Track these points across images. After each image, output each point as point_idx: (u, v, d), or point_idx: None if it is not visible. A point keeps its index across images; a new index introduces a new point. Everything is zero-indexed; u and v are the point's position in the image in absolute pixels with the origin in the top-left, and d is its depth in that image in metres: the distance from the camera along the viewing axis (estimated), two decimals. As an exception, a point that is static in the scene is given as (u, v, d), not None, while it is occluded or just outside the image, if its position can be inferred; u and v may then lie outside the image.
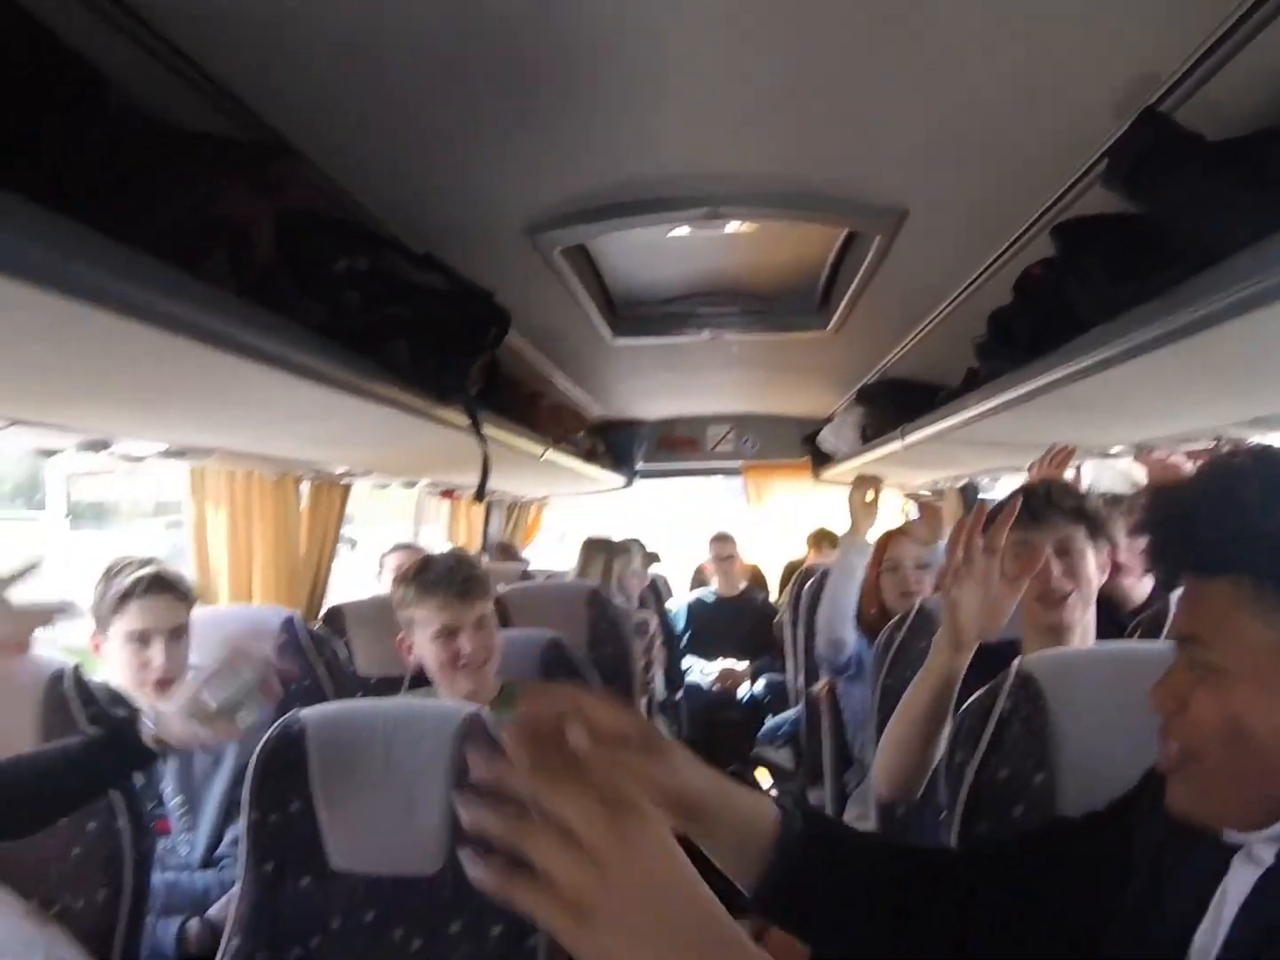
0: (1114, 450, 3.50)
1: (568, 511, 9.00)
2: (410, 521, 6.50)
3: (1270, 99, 1.59)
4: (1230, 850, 1.19)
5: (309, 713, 2.29)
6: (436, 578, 2.70)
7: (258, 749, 2.25)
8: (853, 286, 3.04)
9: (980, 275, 2.78)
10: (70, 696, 2.33)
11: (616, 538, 5.62)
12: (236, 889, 2.35)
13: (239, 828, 2.41)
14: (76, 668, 2.40)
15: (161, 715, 2.03)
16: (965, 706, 2.07)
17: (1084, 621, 2.39)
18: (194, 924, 2.62)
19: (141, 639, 2.75)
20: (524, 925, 2.10)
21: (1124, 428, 3.06)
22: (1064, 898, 1.38)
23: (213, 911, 2.66)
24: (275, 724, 2.27)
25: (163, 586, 2.80)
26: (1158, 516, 1.20)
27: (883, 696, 2.92)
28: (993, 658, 2.14)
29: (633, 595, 5.50)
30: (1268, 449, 1.17)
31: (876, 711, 2.92)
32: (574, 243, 2.62)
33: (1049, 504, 2.38)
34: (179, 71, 1.55)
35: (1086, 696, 1.95)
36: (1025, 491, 2.43)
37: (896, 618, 3.12)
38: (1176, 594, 2.03)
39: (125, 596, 2.75)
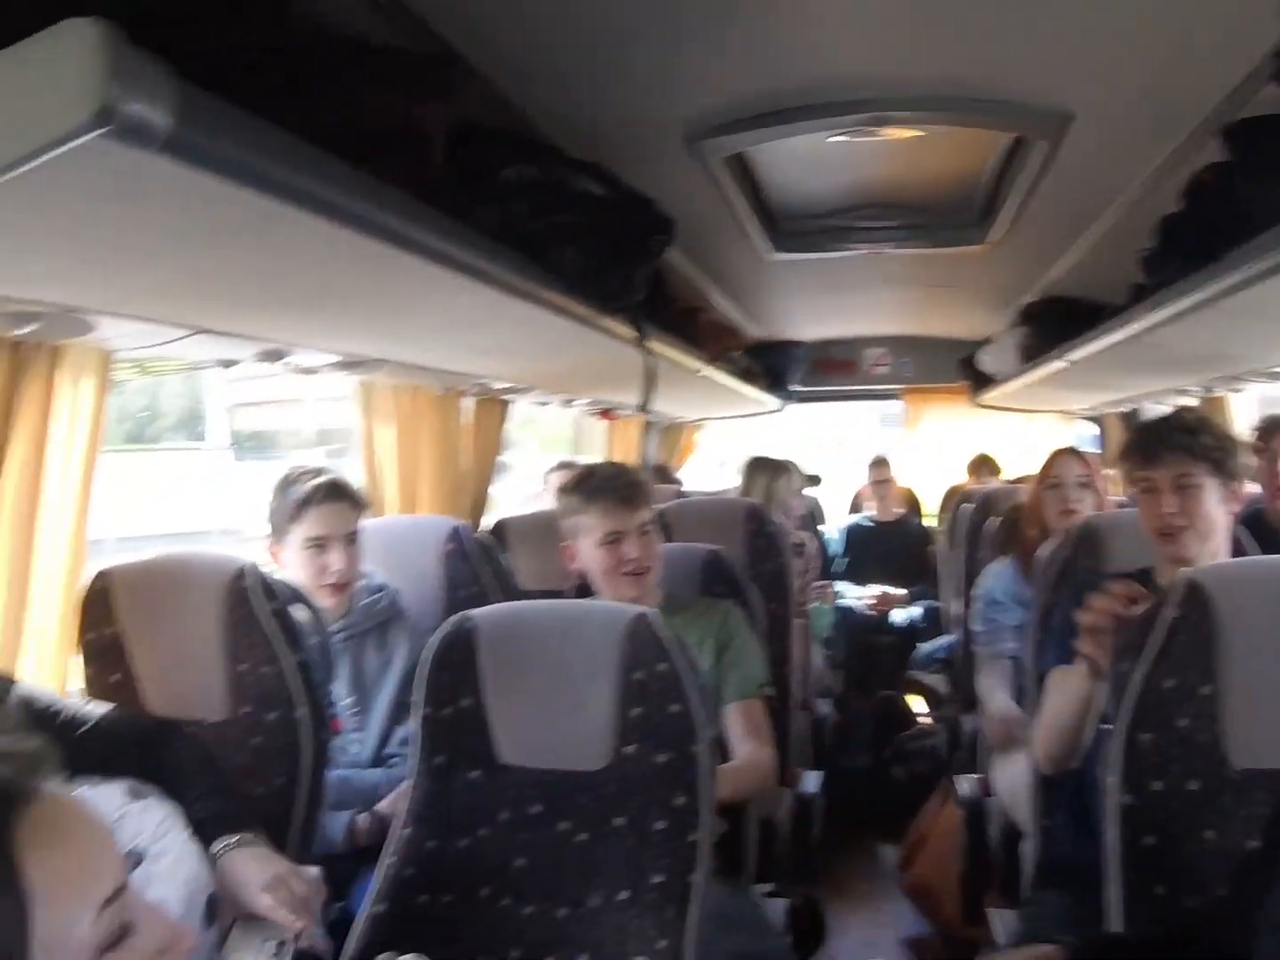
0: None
1: (721, 436, 9.01)
2: (558, 452, 6.60)
3: None
4: None
5: (480, 612, 2.37)
6: (601, 484, 2.79)
7: (431, 645, 2.34)
8: (1015, 197, 2.99)
9: (1148, 181, 2.72)
10: (253, 590, 2.45)
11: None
12: (405, 784, 2.46)
13: (408, 728, 2.52)
14: (256, 565, 2.52)
15: None
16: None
17: (1204, 553, 2.44)
18: (364, 817, 2.77)
19: (319, 544, 2.91)
20: (686, 821, 2.16)
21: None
22: None
23: (381, 806, 2.79)
24: (447, 622, 2.36)
25: (339, 494, 2.94)
26: None
27: (1043, 614, 2.90)
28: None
29: (792, 515, 5.50)
30: None
31: (1038, 628, 2.91)
32: (733, 150, 2.62)
33: (1164, 442, 2.43)
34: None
35: (1255, 608, 1.95)
36: (1141, 430, 2.52)
37: (1059, 536, 3.12)
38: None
39: (304, 503, 2.90)
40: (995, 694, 3.61)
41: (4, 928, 0.95)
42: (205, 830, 2.02)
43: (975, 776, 3.65)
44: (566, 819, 2.23)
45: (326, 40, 1.66)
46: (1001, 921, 2.66)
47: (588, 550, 2.81)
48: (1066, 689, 2.37)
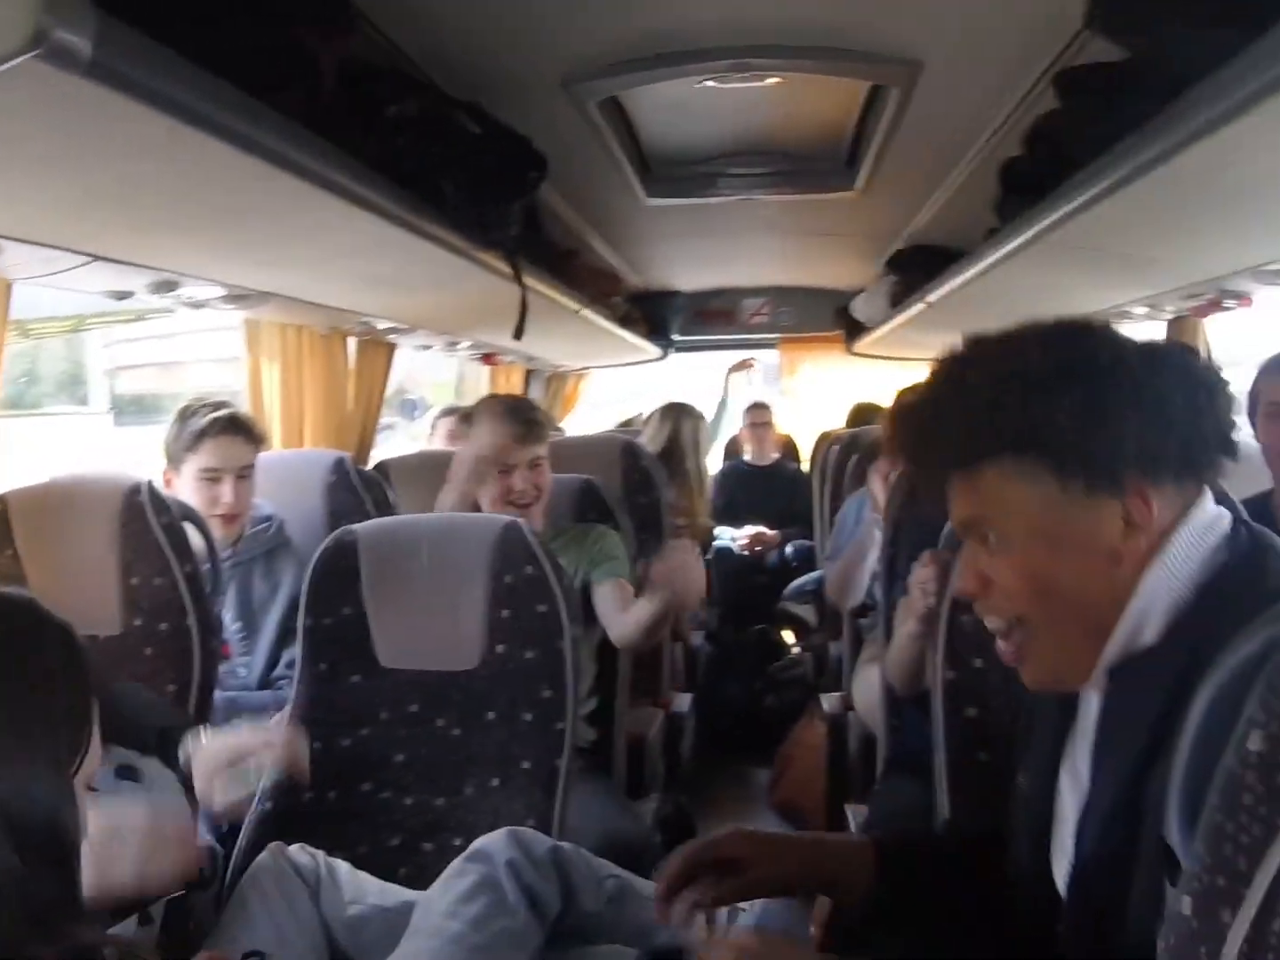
0: (1136, 311, 3.60)
1: (604, 392, 9.09)
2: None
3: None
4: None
5: (361, 526, 2.51)
6: (503, 414, 2.94)
7: (314, 560, 2.46)
8: (876, 143, 3.15)
9: (997, 129, 2.88)
10: (146, 505, 2.53)
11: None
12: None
13: (293, 651, 2.64)
14: (150, 482, 2.60)
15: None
16: None
17: None
18: None
19: (213, 476, 2.96)
20: (552, 712, 2.33)
21: (1132, 279, 3.18)
22: None
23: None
24: (330, 536, 2.49)
25: (235, 428, 3.01)
26: (904, 435, 1.39)
27: (894, 531, 3.07)
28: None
29: None
30: (979, 338, 1.35)
31: (887, 545, 3.08)
32: (607, 94, 2.74)
33: None
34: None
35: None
36: None
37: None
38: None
39: (200, 435, 2.95)
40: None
41: None
42: (168, 745, 2.10)
43: (837, 694, 3.85)
44: (442, 715, 2.40)
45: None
46: (854, 815, 2.87)
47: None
48: (903, 636, 2.57)
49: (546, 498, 3.02)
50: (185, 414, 3.01)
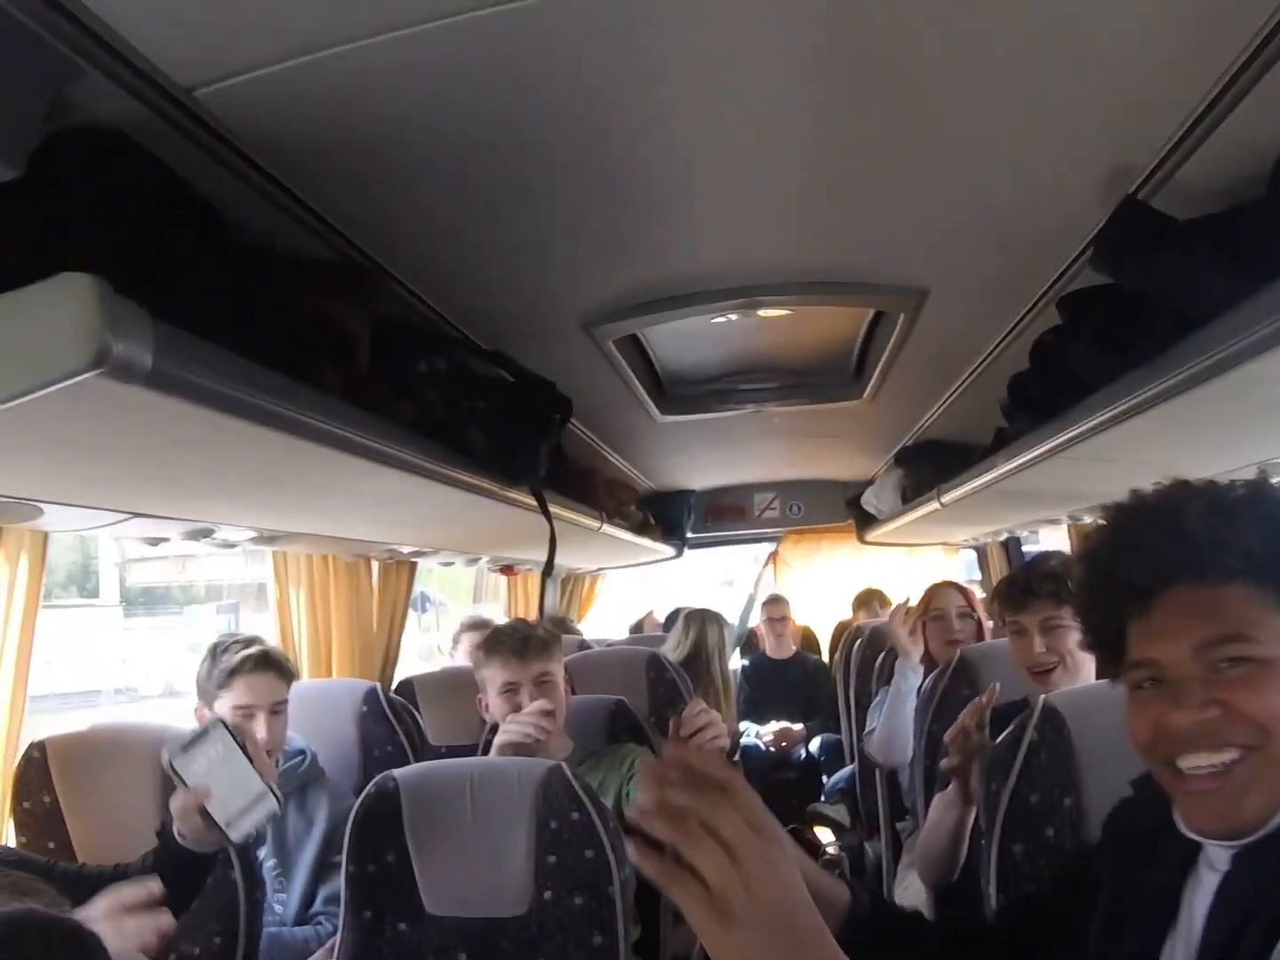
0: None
1: (621, 584, 9.14)
2: (457, 598, 6.73)
3: (1232, 183, 1.80)
4: (1183, 870, 1.36)
5: (401, 772, 2.52)
6: (498, 638, 2.97)
7: (355, 807, 2.48)
8: (882, 360, 3.24)
9: (999, 345, 2.98)
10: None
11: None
12: (332, 941, 2.59)
13: (331, 886, 2.62)
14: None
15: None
16: (997, 741, 2.30)
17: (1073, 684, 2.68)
18: None
19: (246, 713, 2.95)
20: (604, 958, 2.31)
21: (1142, 478, 3.24)
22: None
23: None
24: (370, 783, 2.50)
25: (267, 664, 3.01)
26: (1125, 540, 1.37)
27: (928, 741, 3.10)
28: (1004, 716, 2.43)
29: None
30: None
31: (924, 757, 3.10)
32: (625, 334, 2.84)
33: (1030, 589, 2.71)
34: (277, 202, 1.78)
35: (1105, 726, 2.17)
36: (1009, 580, 2.82)
37: (940, 667, 3.33)
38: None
39: (233, 673, 2.95)
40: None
41: None
42: None
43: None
44: (491, 962, 2.36)
45: (265, 256, 1.86)
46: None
47: (494, 700, 2.98)
48: (940, 810, 2.58)
49: (562, 715, 3.02)
50: (217, 651, 3.02)
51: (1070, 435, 2.41)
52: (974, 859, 2.53)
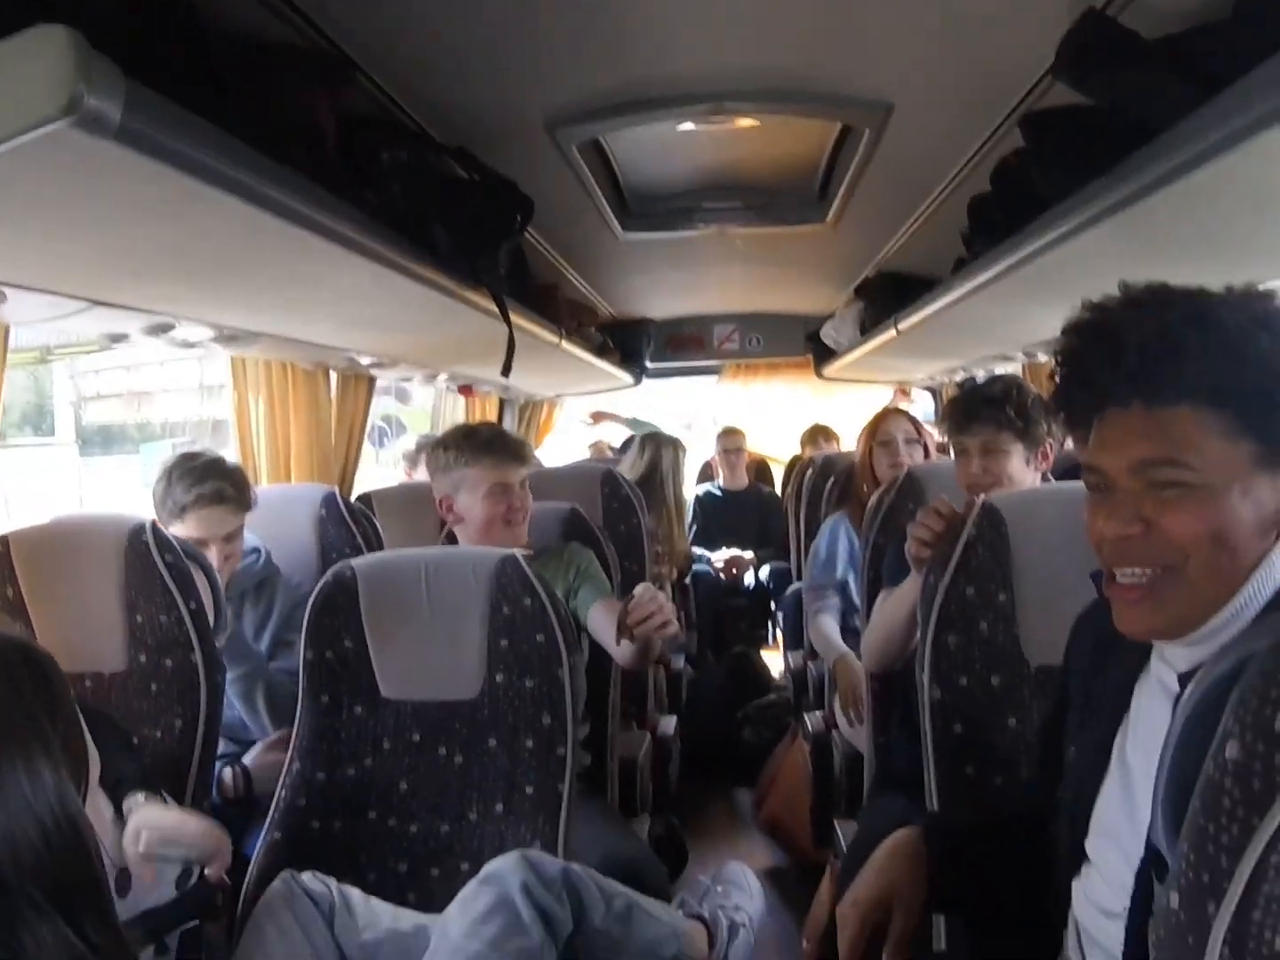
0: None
1: (578, 420, 9.16)
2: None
3: (1198, 2, 1.82)
4: (1138, 668, 1.44)
5: (359, 560, 2.57)
6: (491, 439, 3.00)
7: (313, 594, 2.53)
8: (847, 180, 3.24)
9: (963, 168, 2.98)
10: (150, 544, 2.57)
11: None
12: (272, 738, 2.78)
13: (285, 660, 2.69)
14: (155, 522, 2.65)
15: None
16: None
17: None
18: (228, 772, 2.89)
19: (198, 544, 2.95)
20: (553, 738, 2.41)
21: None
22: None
23: (247, 759, 2.93)
24: (329, 570, 2.55)
25: (220, 499, 3.01)
26: (1089, 354, 1.39)
27: (873, 552, 3.19)
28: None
29: None
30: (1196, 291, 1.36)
31: (868, 567, 3.19)
32: (590, 138, 2.83)
33: (973, 413, 2.77)
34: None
35: (1043, 529, 2.25)
36: (954, 401, 2.92)
37: (887, 483, 3.41)
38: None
39: (184, 509, 2.97)
40: (831, 641, 3.88)
41: None
42: (117, 792, 2.12)
43: (819, 713, 3.94)
44: (444, 744, 2.47)
45: (238, 42, 1.86)
46: (843, 831, 2.95)
47: (471, 502, 3.02)
48: (896, 595, 2.67)
49: (529, 518, 3.09)
50: (171, 476, 3.01)
51: (1027, 251, 2.45)
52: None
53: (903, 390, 7.49)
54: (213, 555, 2.97)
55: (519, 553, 2.51)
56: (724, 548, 6.84)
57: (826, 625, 3.91)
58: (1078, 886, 1.49)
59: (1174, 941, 0.95)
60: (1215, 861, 0.91)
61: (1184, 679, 1.33)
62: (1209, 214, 1.98)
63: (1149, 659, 1.45)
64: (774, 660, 6.00)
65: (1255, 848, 0.88)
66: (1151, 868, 1.15)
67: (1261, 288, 1.36)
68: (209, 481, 2.99)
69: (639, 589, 2.49)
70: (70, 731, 1.38)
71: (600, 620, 3.02)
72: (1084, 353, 1.40)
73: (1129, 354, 1.32)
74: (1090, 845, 1.47)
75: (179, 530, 2.94)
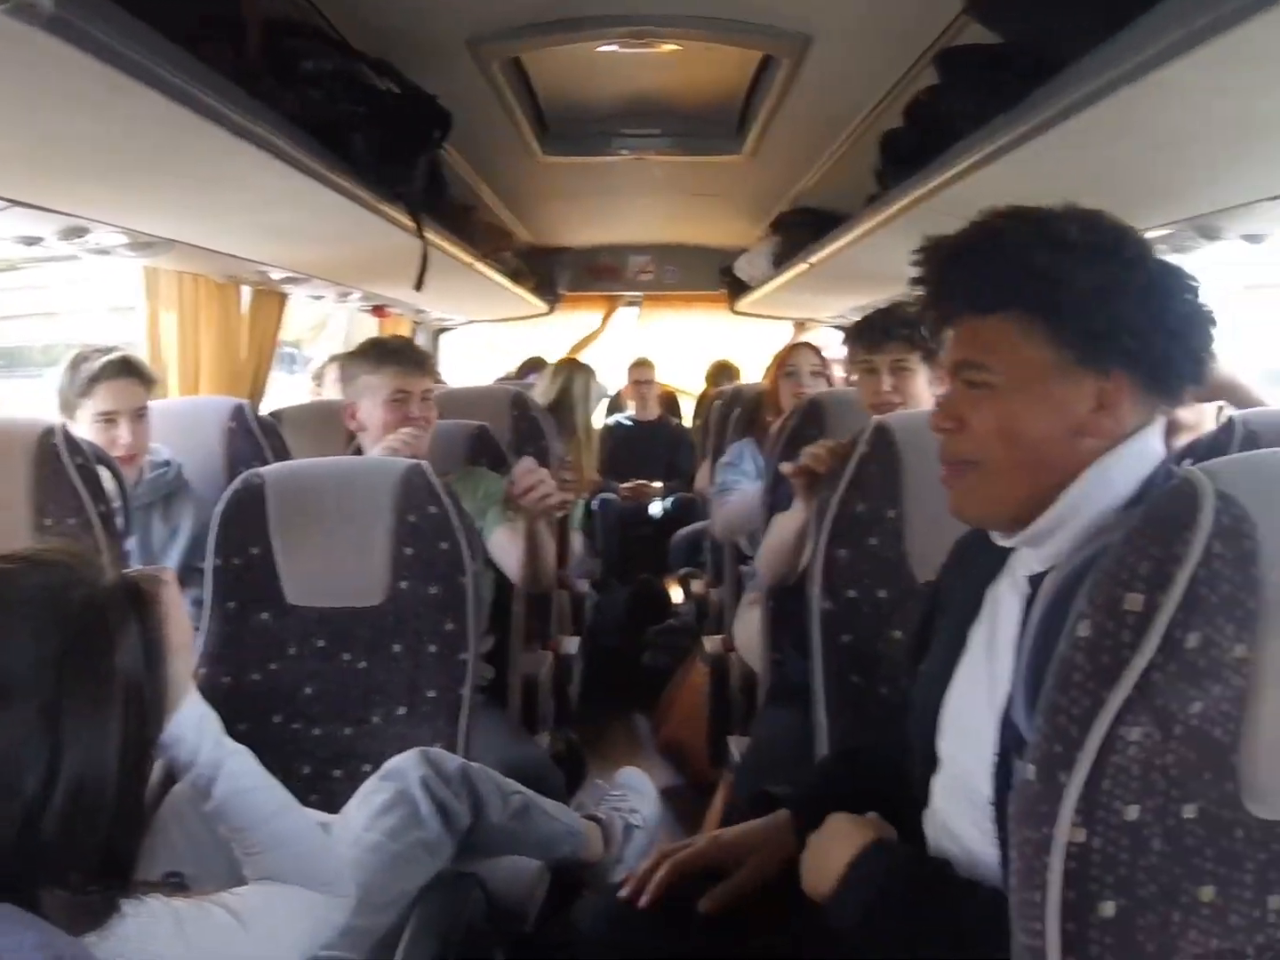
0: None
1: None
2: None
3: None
4: (996, 569, 1.53)
5: (268, 469, 2.59)
6: (394, 349, 3.03)
7: (222, 502, 2.53)
8: (765, 111, 3.28)
9: (879, 104, 3.04)
10: (60, 447, 2.55)
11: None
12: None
13: (194, 592, 2.70)
14: (65, 424, 2.62)
15: None
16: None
17: None
18: None
19: (109, 418, 3.00)
20: (456, 644, 2.46)
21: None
22: None
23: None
24: (237, 479, 2.56)
25: (129, 370, 3.05)
26: (932, 270, 1.51)
27: (773, 479, 3.24)
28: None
29: None
30: (1023, 207, 1.47)
31: (769, 492, 3.25)
32: (511, 55, 2.85)
33: (884, 331, 2.85)
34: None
35: (933, 447, 2.32)
36: (865, 320, 2.99)
37: (790, 410, 3.47)
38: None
39: (94, 379, 2.99)
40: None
41: None
42: None
43: (719, 636, 4.02)
44: (349, 649, 2.51)
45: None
46: (737, 747, 3.04)
47: (372, 409, 3.03)
48: (790, 512, 2.75)
49: (433, 433, 3.12)
50: (77, 361, 3.04)
51: (932, 185, 2.51)
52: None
53: (800, 326, 7.56)
54: (124, 431, 3.02)
55: (424, 462, 2.54)
56: (631, 480, 6.84)
57: (742, 499, 3.93)
58: (936, 783, 1.57)
59: (1029, 810, 1.02)
60: (1067, 733, 0.99)
61: (1034, 580, 1.42)
62: (1108, 152, 2.05)
63: (1003, 567, 1.53)
64: (677, 592, 6.09)
65: (1103, 719, 0.96)
66: (1013, 748, 1.24)
67: (1150, 234, 1.46)
68: (116, 354, 3.06)
69: (519, 464, 2.54)
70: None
71: (504, 542, 3.05)
72: (924, 273, 1.52)
73: (947, 270, 1.48)
74: (942, 744, 1.55)
75: (87, 410, 3.00)
